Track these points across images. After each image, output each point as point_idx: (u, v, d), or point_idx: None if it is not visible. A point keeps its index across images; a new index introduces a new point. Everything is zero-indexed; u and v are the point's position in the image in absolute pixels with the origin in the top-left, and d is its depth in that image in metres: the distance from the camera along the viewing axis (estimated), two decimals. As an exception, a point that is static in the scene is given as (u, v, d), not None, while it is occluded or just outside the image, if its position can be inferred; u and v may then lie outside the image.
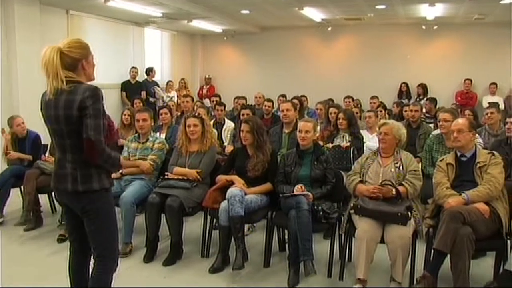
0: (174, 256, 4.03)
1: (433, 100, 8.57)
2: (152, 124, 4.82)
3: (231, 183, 3.97)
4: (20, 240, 4.59)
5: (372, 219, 3.43)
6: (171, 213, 3.94)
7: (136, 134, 4.75)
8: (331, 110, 5.77)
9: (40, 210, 5.03)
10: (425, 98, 9.87)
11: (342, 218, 3.73)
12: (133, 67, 10.10)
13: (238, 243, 3.70)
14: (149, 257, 4.05)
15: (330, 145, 4.96)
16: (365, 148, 5.13)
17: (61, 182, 2.49)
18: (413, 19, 10.39)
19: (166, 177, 4.20)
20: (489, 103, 8.79)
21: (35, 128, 5.27)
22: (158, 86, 10.53)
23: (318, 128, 5.61)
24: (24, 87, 7.11)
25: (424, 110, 7.78)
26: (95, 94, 2.37)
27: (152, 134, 4.76)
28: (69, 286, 2.74)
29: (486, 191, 3.34)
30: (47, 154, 5.25)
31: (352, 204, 3.60)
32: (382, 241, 3.38)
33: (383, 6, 9.00)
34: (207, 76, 12.63)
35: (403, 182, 3.58)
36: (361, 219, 3.47)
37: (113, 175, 2.89)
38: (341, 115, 5.22)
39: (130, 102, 8.85)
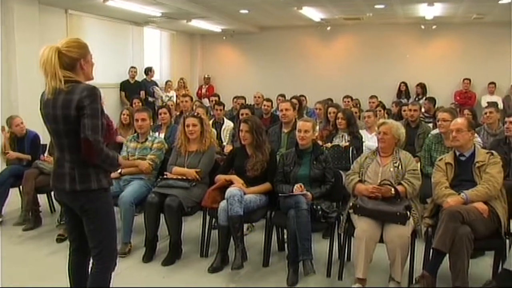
0: (173, 256, 4.03)
1: (432, 100, 8.57)
2: (151, 123, 4.82)
3: (230, 183, 3.97)
4: (19, 240, 4.58)
5: (371, 218, 3.43)
6: (170, 213, 3.94)
7: (135, 134, 4.75)
8: (330, 109, 5.77)
9: (39, 210, 5.02)
10: (424, 98, 9.87)
11: (341, 217, 3.73)
12: (132, 67, 10.10)
13: (237, 242, 3.70)
14: (148, 257, 4.05)
15: (329, 144, 4.96)
16: (364, 147, 5.13)
17: (59, 181, 2.50)
18: (412, 18, 10.39)
19: (165, 176, 4.20)
20: (488, 102, 8.83)
21: (34, 128, 5.26)
22: (157, 86, 10.54)
23: (317, 127, 5.60)
24: (23, 86, 7.10)
25: (423, 110, 7.77)
26: (93, 93, 2.37)
27: (151, 133, 4.76)
28: (69, 285, 2.74)
29: (485, 191, 3.34)
30: (46, 154, 5.25)
31: (351, 204, 3.60)
32: (381, 240, 3.38)
33: (382, 6, 9.00)
34: (206, 76, 12.63)
35: (402, 182, 3.59)
36: (360, 218, 3.47)
37: (112, 175, 2.90)
38: (340, 114, 5.23)
39: (129, 101, 8.85)
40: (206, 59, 13.35)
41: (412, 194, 3.57)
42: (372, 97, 8.93)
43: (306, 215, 3.56)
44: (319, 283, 3.64)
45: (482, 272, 3.68)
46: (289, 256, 3.69)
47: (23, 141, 5.30)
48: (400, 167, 3.66)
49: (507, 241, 3.36)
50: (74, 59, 2.42)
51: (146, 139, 4.59)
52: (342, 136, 5.12)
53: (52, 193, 4.74)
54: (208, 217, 4.17)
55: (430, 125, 6.41)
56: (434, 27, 10.85)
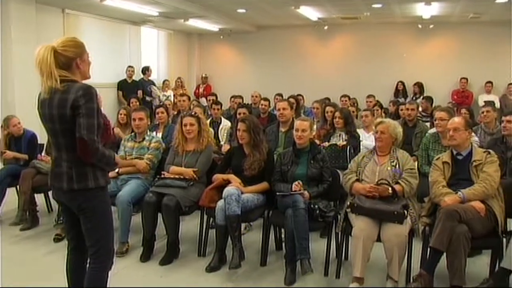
0: (171, 255, 4.02)
1: (429, 99, 8.58)
2: (149, 123, 4.81)
3: (227, 182, 3.98)
4: (16, 240, 4.57)
5: (369, 217, 3.43)
6: (168, 212, 3.94)
7: (133, 133, 4.74)
8: (328, 109, 5.78)
9: (36, 209, 5.01)
10: (421, 97, 9.88)
11: (339, 216, 3.74)
12: (129, 66, 10.08)
13: (234, 242, 3.71)
14: (145, 256, 4.05)
15: (326, 144, 4.96)
16: (361, 146, 5.14)
17: (57, 180, 2.50)
18: (409, 18, 10.41)
19: (162, 176, 4.19)
20: (485, 101, 8.85)
21: (31, 127, 5.25)
22: (155, 85, 10.52)
23: (315, 127, 5.61)
24: (20, 86, 7.08)
25: (420, 109, 7.79)
26: (88, 93, 2.37)
27: (148, 133, 4.75)
28: (66, 285, 2.73)
29: (482, 190, 3.35)
30: (43, 154, 5.24)
31: (348, 203, 3.60)
32: (378, 239, 3.39)
33: (379, 5, 9.01)
34: (203, 75, 12.62)
35: (399, 181, 3.59)
36: (357, 217, 3.47)
37: (110, 174, 2.89)
38: (337, 114, 5.23)
39: (126, 101, 8.83)
40: (204, 58, 13.34)
41: (410, 193, 3.58)
42: (369, 96, 8.92)
43: (303, 214, 3.57)
44: (317, 282, 3.64)
45: (479, 270, 3.69)
46: (286, 255, 3.69)
47: (20, 140, 5.28)
48: (397, 166, 3.67)
49: (504, 239, 3.37)
50: (70, 59, 2.42)
51: (144, 138, 4.59)
52: (340, 135, 5.12)
53: (50, 192, 4.73)
54: (205, 217, 4.17)
55: (428, 124, 6.43)
56: (431, 26, 10.87)
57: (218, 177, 4.08)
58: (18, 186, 5.08)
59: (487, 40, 10.65)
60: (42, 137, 4.47)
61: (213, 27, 11.65)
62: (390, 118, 5.47)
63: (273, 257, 4.08)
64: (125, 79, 10.03)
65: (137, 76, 10.34)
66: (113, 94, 9.89)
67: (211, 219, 4.13)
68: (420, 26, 10.93)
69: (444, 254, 3.20)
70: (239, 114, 5.84)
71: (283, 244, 3.93)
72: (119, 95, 9.93)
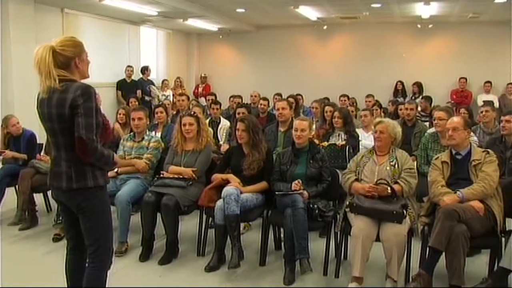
0: (170, 255, 4.02)
1: (428, 99, 8.58)
2: (148, 123, 4.81)
3: (226, 182, 3.97)
4: (15, 240, 4.56)
5: (368, 217, 3.43)
6: (167, 212, 3.94)
7: (132, 133, 4.74)
8: (327, 108, 5.77)
9: (35, 209, 5.01)
10: (420, 97, 9.89)
11: (338, 216, 3.73)
12: (128, 66, 10.08)
13: (233, 241, 3.70)
14: (144, 256, 4.04)
15: (325, 143, 4.96)
16: (360, 146, 5.14)
17: (56, 180, 2.50)
18: (408, 17, 10.41)
19: (161, 176, 4.19)
20: (484, 101, 8.86)
21: (30, 127, 5.25)
22: (154, 85, 10.52)
23: (314, 126, 5.63)
24: (19, 85, 7.08)
25: (419, 109, 7.80)
26: (87, 92, 2.37)
27: (147, 132, 4.76)
28: (65, 285, 2.73)
29: (481, 189, 3.35)
30: (42, 153, 5.23)
31: (347, 202, 3.60)
32: (377, 239, 3.39)
33: (378, 5, 9.01)
34: (202, 75, 12.62)
35: (398, 180, 3.59)
36: (356, 217, 3.47)
37: (109, 174, 2.89)
38: (336, 113, 5.23)
39: (125, 101, 8.82)
40: (203, 58, 13.34)
41: (409, 192, 3.58)
42: (368, 96, 8.93)
43: (302, 213, 3.57)
44: (316, 282, 3.64)
45: (478, 270, 3.69)
46: (285, 255, 3.69)
47: (19, 140, 5.27)
48: (396, 165, 3.67)
49: (503, 239, 3.37)
50: (68, 58, 2.42)
51: (143, 138, 4.59)
52: (339, 135, 5.12)
53: (49, 192, 4.73)
54: (204, 216, 4.17)
55: (427, 124, 6.43)
56: (430, 26, 10.87)
57: (217, 177, 4.08)
58: (17, 186, 5.07)
59: (486, 40, 10.67)
60: (41, 136, 4.46)
61: (212, 26, 11.65)
62: (389, 117, 5.47)
63: (272, 257, 4.08)
64: (124, 79, 10.03)
65: (136, 75, 10.34)
66: (112, 93, 9.89)
67: (210, 219, 4.13)
68: (419, 26, 10.94)
69: (443, 253, 3.21)
70: (238, 113, 5.84)
71: (282, 244, 3.93)
72: (118, 95, 9.93)
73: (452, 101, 10.27)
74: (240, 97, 8.07)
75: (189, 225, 4.60)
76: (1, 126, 5.35)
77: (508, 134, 4.46)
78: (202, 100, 10.46)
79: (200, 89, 12.26)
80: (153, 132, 5.51)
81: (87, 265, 2.58)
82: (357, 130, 5.44)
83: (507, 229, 3.48)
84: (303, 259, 3.51)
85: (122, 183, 4.35)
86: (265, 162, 4.06)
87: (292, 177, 3.90)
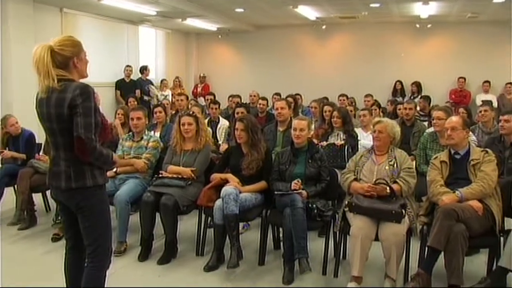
0: (169, 255, 4.02)
1: (427, 98, 8.59)
2: (147, 122, 4.81)
3: (225, 182, 3.98)
4: (14, 240, 4.56)
5: (367, 216, 3.43)
6: (166, 212, 3.94)
7: (130, 133, 4.74)
8: (326, 108, 5.78)
9: (34, 209, 5.00)
10: (419, 96, 9.88)
11: (337, 216, 3.73)
12: (127, 66, 10.07)
13: (232, 241, 3.70)
14: (143, 256, 4.04)
15: (324, 143, 4.96)
16: (359, 146, 5.14)
17: (55, 179, 2.50)
18: (407, 17, 10.41)
19: (160, 175, 4.19)
20: (482, 101, 8.84)
21: (29, 126, 5.24)
22: (153, 85, 10.51)
23: (313, 126, 5.62)
24: (18, 85, 7.07)
25: (418, 108, 7.80)
26: (85, 91, 2.37)
27: (146, 132, 4.75)
28: (64, 285, 2.73)
29: (480, 189, 3.36)
30: (41, 153, 5.23)
31: (346, 202, 3.60)
32: (376, 238, 3.39)
33: (377, 5, 9.01)
34: (201, 75, 12.61)
35: (397, 180, 3.59)
36: (355, 216, 3.47)
37: (108, 174, 2.89)
38: (335, 113, 5.23)
39: (124, 100, 8.81)
40: (202, 58, 13.33)
41: (407, 192, 3.58)
42: (367, 95, 8.94)
43: (301, 213, 3.56)
44: (315, 281, 3.64)
45: (477, 269, 3.70)
46: (284, 255, 3.69)
47: (18, 140, 5.27)
48: (395, 165, 3.67)
49: (502, 238, 3.37)
50: (67, 58, 2.42)
51: (142, 138, 4.59)
52: (338, 135, 5.12)
53: (48, 192, 4.72)
54: (203, 216, 4.16)
55: (425, 123, 6.43)
56: (429, 26, 10.88)
57: (216, 177, 4.08)
58: (16, 186, 5.07)
59: (484, 39, 10.67)
60: (40, 136, 4.45)
61: (211, 26, 11.64)
62: (388, 117, 5.48)
63: (271, 257, 4.08)
64: (123, 79, 10.02)
65: (135, 75, 10.33)
66: (111, 93, 9.88)
67: (209, 219, 4.13)
68: (418, 25, 10.94)
69: (442, 253, 3.21)
70: (237, 113, 5.84)
71: (281, 243, 3.93)
72: (117, 95, 9.92)
73: (451, 101, 10.27)
74: (239, 96, 8.07)
75: (188, 224, 4.60)
76: (0, 126, 5.34)
77: (507, 134, 4.46)
78: (201, 100, 10.46)
79: (199, 89, 12.24)
80: (152, 132, 5.51)
81: (86, 264, 2.58)
82: (356, 129, 5.44)
83: (505, 229, 3.48)
84: (302, 259, 3.51)
85: (121, 183, 4.35)
86: (264, 161, 4.06)
87: (291, 177, 3.90)
